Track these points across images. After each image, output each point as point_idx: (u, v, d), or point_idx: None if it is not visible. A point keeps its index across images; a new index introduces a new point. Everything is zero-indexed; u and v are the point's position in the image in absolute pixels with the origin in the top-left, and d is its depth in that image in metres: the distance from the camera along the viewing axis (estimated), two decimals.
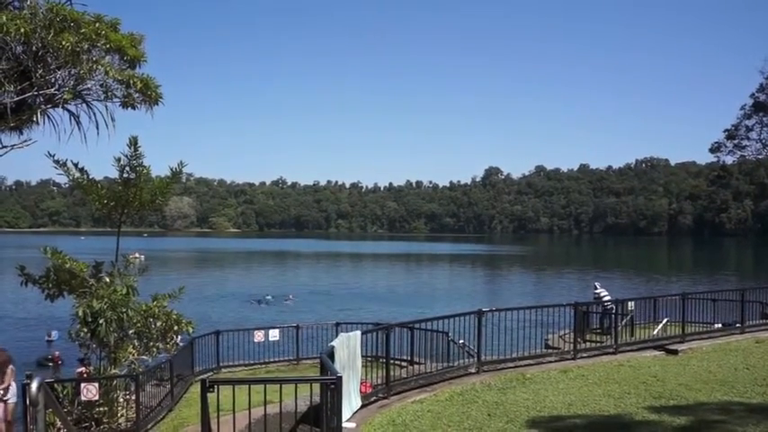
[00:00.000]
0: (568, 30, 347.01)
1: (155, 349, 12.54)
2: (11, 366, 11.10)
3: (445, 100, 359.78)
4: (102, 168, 13.89)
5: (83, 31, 7.61)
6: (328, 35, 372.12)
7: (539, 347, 13.56)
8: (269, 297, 43.01)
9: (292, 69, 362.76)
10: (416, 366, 11.94)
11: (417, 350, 13.62)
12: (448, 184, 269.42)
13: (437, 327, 12.11)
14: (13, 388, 10.89)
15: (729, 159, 37.04)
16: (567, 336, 14.14)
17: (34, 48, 7.35)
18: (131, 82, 8.56)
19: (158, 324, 12.40)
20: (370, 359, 10.13)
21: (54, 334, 27.19)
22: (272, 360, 17.58)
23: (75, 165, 12.24)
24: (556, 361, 11.92)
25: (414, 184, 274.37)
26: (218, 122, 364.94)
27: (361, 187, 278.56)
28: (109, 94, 8.42)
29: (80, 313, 11.07)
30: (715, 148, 35.91)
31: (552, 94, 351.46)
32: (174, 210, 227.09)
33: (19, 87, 7.33)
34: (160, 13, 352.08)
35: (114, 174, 12.66)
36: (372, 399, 9.38)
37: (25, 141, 7.97)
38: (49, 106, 7.87)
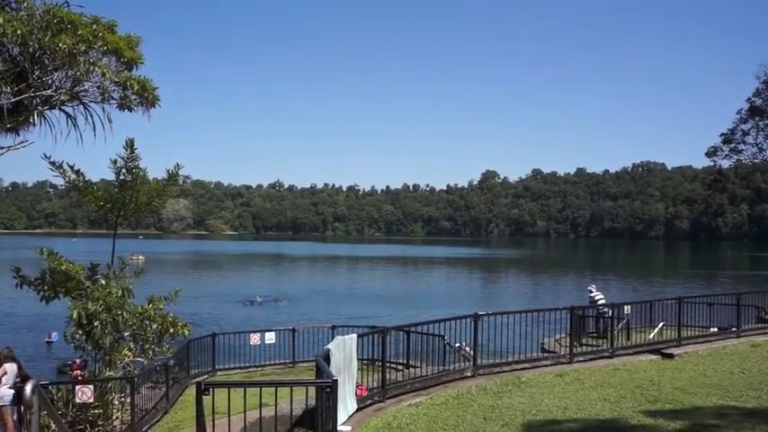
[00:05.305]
0: (565, 33, 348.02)
1: (150, 352, 12.52)
2: (7, 365, 11.01)
3: (442, 103, 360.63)
4: (99, 170, 13.89)
5: (80, 32, 7.62)
6: (326, 39, 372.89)
7: (535, 351, 13.57)
8: (258, 298, 43.42)
9: (290, 72, 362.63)
10: (412, 370, 11.94)
11: (413, 353, 13.62)
12: (445, 188, 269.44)
13: (433, 330, 12.11)
14: (8, 390, 10.82)
15: (726, 163, 36.82)
16: (563, 339, 14.15)
17: (31, 49, 7.35)
18: (128, 84, 8.58)
19: (154, 326, 12.39)
20: (366, 362, 10.14)
21: (54, 335, 27.08)
22: (267, 363, 17.58)
23: (71, 167, 12.23)
24: (552, 365, 11.93)
25: (411, 188, 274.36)
26: (214, 125, 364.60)
27: (358, 190, 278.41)
28: (106, 95, 8.44)
29: (75, 315, 11.04)
30: (711, 153, 35.95)
31: (549, 98, 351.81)
32: (170, 212, 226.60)
33: (16, 89, 7.33)
34: (158, 16, 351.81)
35: (111, 176, 12.66)
36: (368, 402, 9.37)
37: (22, 143, 7.97)
38: (45, 108, 7.89)
